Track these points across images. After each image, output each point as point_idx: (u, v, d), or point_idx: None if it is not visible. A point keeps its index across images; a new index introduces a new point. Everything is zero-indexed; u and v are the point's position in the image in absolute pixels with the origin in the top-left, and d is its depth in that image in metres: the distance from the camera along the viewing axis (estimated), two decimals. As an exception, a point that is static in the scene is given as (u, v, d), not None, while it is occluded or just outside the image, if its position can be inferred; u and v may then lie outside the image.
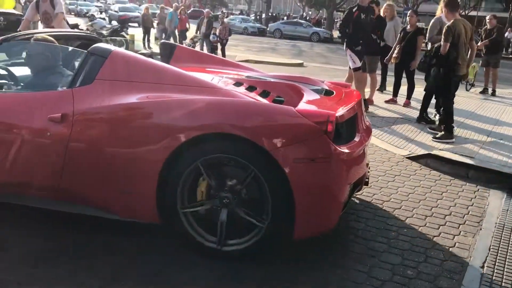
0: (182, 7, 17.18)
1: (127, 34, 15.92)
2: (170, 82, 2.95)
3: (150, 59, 3.16)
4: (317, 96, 3.29)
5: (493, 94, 10.26)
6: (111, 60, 3.01)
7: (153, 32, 17.83)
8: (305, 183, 2.63)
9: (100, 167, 2.84)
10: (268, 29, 33.90)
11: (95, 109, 2.86)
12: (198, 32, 15.82)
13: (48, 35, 3.56)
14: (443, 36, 5.83)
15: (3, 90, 3.37)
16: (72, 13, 35.02)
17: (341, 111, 2.87)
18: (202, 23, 15.50)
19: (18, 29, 6.73)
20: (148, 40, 17.74)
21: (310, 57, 19.15)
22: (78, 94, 2.93)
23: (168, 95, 2.85)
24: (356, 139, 3.06)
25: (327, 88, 3.68)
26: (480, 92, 10.44)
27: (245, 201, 2.77)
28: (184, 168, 2.72)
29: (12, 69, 3.63)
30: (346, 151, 2.78)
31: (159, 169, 2.71)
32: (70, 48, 3.39)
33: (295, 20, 38.74)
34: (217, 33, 14.81)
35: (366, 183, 3.51)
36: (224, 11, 42.46)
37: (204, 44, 15.15)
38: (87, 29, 16.67)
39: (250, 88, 3.18)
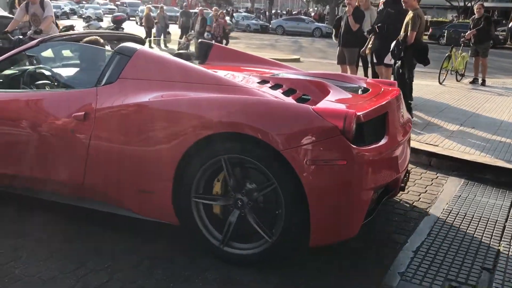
0: (221, 11, 16.72)
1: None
2: (192, 80, 2.93)
3: (175, 58, 3.15)
4: (346, 94, 3.08)
5: (483, 83, 10.17)
6: (135, 59, 3.06)
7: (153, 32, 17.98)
8: (320, 186, 2.46)
9: (118, 165, 2.90)
10: (270, 25, 33.93)
11: (115, 108, 2.91)
12: (192, 30, 15.91)
13: (99, 35, 3.69)
14: (410, 25, 5.92)
15: (36, 89, 3.50)
16: (75, 15, 35.45)
17: (365, 110, 2.67)
18: (196, 21, 15.58)
19: (5, 29, 6.84)
20: (149, 40, 17.85)
21: (308, 52, 19.11)
22: (102, 92, 3.00)
23: (186, 94, 2.83)
24: (385, 139, 2.80)
25: (364, 85, 3.53)
26: (470, 82, 10.36)
27: (259, 209, 2.67)
28: (196, 171, 2.70)
29: (46, 69, 3.78)
30: (370, 153, 2.58)
31: (174, 167, 2.71)
32: (102, 49, 3.46)
33: (297, 16, 38.73)
34: (212, 31, 14.87)
35: (402, 188, 3.17)
36: (228, 9, 42.59)
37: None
38: None
39: (276, 86, 3.05)
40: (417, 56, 6.12)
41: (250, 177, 2.68)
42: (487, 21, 10.23)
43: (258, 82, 3.16)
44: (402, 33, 6.26)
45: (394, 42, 6.21)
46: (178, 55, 4.15)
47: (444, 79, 10.25)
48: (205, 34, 14.80)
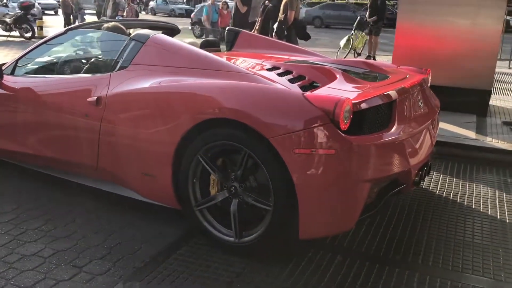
0: (223, 0, 14.94)
1: (34, 21, 16.03)
2: (197, 66, 2.91)
3: (186, 45, 3.14)
4: (353, 82, 2.93)
5: (374, 59, 10.79)
6: (147, 46, 3.11)
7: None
8: (308, 176, 2.35)
9: (125, 148, 2.96)
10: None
11: (123, 93, 2.97)
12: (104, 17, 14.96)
13: (122, 24, 3.76)
14: (289, 5, 6.85)
15: (61, 74, 3.72)
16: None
17: (365, 98, 2.53)
18: (107, 6, 14.84)
19: None
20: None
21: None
22: (114, 78, 3.09)
23: (186, 79, 2.84)
24: (389, 129, 2.60)
25: (385, 73, 3.39)
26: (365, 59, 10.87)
27: (254, 189, 2.61)
28: (191, 158, 2.68)
29: (72, 55, 3.97)
30: (364, 143, 2.41)
31: (172, 154, 2.71)
32: (122, 35, 3.49)
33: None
34: (124, 15, 14.25)
35: (417, 183, 2.85)
36: None
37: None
38: None
39: (286, 73, 2.98)
40: (298, 33, 7.14)
41: (241, 163, 2.59)
42: (382, 1, 11.26)
43: (267, 69, 3.10)
44: (280, 14, 7.04)
45: (276, 23, 7.10)
46: (206, 42, 4.21)
47: (345, 57, 10.96)
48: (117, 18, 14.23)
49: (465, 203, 3.49)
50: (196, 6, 34.30)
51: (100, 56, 3.69)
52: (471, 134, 4.96)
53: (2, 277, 2.40)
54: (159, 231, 2.92)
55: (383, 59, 10.76)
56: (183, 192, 2.77)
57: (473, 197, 3.61)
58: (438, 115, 3.31)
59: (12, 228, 2.92)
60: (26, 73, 3.76)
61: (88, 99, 3.07)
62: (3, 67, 3.72)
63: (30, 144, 3.53)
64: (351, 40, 11.70)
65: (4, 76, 3.66)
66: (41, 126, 3.44)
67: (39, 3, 19.22)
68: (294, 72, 2.99)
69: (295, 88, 2.68)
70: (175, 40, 3.23)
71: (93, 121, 3.04)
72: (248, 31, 4.56)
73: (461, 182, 3.94)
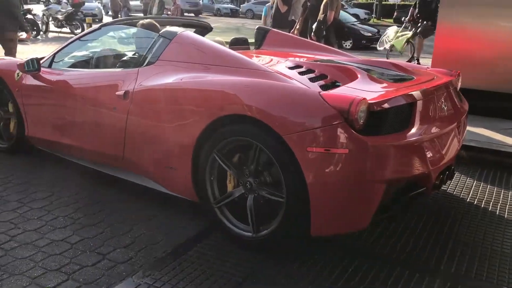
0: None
1: (84, 18, 16.43)
2: (220, 63, 2.97)
3: (210, 43, 3.21)
4: (373, 82, 2.90)
5: (418, 61, 10.47)
6: (174, 42, 3.21)
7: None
8: (320, 174, 2.36)
9: (149, 141, 3.07)
10: (240, 9, 34.00)
11: (148, 88, 3.09)
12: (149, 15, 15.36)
13: (157, 21, 3.87)
14: (329, 5, 6.76)
15: (95, 68, 3.90)
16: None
17: (382, 98, 2.51)
18: (153, 4, 15.02)
19: None
20: None
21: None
22: (141, 73, 3.21)
23: (206, 76, 2.90)
24: (408, 131, 2.57)
25: (411, 74, 3.32)
26: (407, 61, 10.50)
27: (269, 184, 2.63)
28: (208, 153, 2.75)
29: (104, 50, 4.14)
30: (379, 143, 2.38)
31: (191, 148, 2.80)
32: (153, 33, 3.62)
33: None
34: (170, 13, 14.42)
35: (437, 187, 2.80)
36: None
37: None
38: (43, 14, 17.25)
39: (308, 72, 2.97)
40: (336, 34, 7.17)
41: (253, 158, 2.63)
42: (436, 5, 10.47)
43: (289, 67, 3.09)
44: (320, 14, 6.99)
45: (316, 23, 7.08)
46: (235, 40, 4.27)
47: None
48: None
49: (497, 212, 3.37)
50: (241, 6, 34.66)
51: (130, 52, 3.85)
52: (510, 140, 4.77)
53: (31, 259, 2.53)
54: (181, 224, 2.99)
55: (427, 62, 10.52)
56: (202, 188, 2.84)
57: (507, 206, 3.48)
58: (465, 118, 3.22)
59: (45, 214, 3.07)
60: (62, 66, 3.95)
61: (116, 93, 3.21)
62: (42, 61, 3.91)
63: (64, 134, 3.71)
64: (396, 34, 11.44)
65: (42, 68, 3.85)
66: (73, 117, 3.61)
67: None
68: (316, 71, 2.99)
69: (315, 86, 2.67)
70: (200, 37, 3.31)
71: (120, 114, 3.17)
72: (277, 31, 4.54)
73: (495, 189, 3.80)
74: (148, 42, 3.41)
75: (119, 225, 2.96)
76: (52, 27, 17.56)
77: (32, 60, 3.79)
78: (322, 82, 2.78)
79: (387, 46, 11.62)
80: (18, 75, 3.99)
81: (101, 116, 3.35)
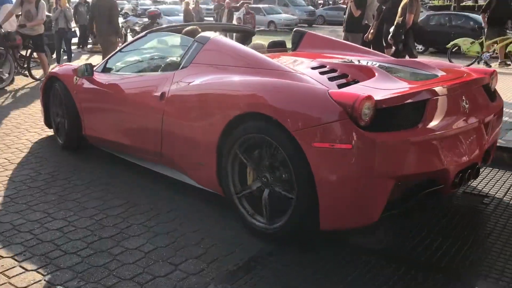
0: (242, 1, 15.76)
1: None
2: (244, 65, 3.16)
3: (238, 46, 3.43)
4: (391, 80, 2.92)
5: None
6: (207, 46, 3.44)
7: None
8: (325, 169, 2.47)
9: (182, 138, 3.31)
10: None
11: (180, 89, 3.36)
12: None
13: (201, 27, 4.13)
14: (408, 7, 6.29)
15: (137, 72, 4.20)
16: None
17: (392, 95, 2.56)
18: (223, 14, 15.17)
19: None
20: None
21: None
22: (177, 76, 3.46)
23: (232, 77, 3.09)
24: (417, 127, 2.58)
25: (437, 73, 3.30)
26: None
27: (283, 179, 2.75)
28: (229, 149, 2.93)
29: (148, 55, 4.45)
30: (384, 139, 2.42)
31: (215, 144, 3.00)
32: (190, 38, 3.80)
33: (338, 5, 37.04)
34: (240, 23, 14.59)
35: (456, 185, 2.76)
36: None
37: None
38: (122, 27, 17.72)
39: (331, 71, 3.06)
40: (416, 37, 6.72)
41: (272, 155, 2.77)
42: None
43: (312, 67, 3.17)
44: (398, 17, 6.54)
45: (393, 26, 6.67)
46: (273, 43, 4.46)
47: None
48: None
49: None
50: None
51: (169, 56, 4.11)
52: None
53: (106, 268, 2.54)
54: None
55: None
56: (225, 180, 3.02)
57: None
58: (497, 117, 3.19)
59: (120, 221, 3.10)
60: (111, 71, 4.31)
61: (154, 94, 3.49)
62: (96, 65, 4.32)
63: (114, 133, 4.03)
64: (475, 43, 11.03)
65: (95, 73, 4.23)
66: (121, 117, 3.92)
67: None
68: (338, 71, 3.07)
69: (332, 85, 2.76)
70: (229, 41, 3.57)
71: (157, 114, 3.44)
72: (314, 33, 4.52)
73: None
74: (184, 47, 3.63)
75: (192, 235, 2.92)
76: (130, 38, 18.41)
77: (85, 65, 4.16)
78: (342, 81, 2.88)
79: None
80: (76, 79, 4.37)
81: (143, 116, 3.64)
